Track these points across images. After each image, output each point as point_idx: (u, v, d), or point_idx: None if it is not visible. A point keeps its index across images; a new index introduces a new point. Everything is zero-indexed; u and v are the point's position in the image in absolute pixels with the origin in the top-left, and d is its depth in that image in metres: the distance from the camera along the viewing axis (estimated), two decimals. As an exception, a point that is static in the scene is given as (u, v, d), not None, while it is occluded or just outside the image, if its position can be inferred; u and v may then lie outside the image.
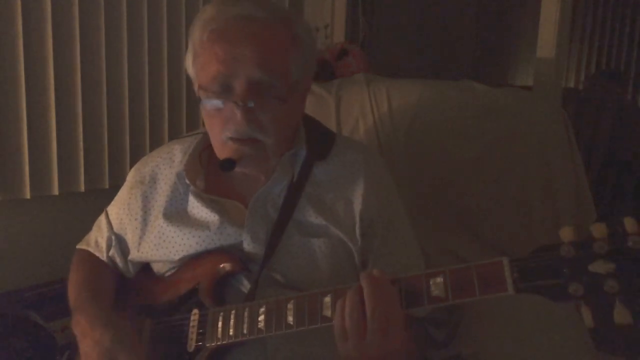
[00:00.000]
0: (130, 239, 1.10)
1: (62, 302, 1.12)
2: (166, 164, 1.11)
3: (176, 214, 1.05)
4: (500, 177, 1.39)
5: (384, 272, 0.81)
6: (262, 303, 0.89)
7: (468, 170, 1.40)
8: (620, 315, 0.66)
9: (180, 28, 1.78)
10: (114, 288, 1.11)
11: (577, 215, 1.36)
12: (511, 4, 4.34)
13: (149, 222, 1.08)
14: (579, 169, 1.40)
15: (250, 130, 0.95)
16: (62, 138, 1.56)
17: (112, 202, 1.17)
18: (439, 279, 0.77)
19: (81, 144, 1.60)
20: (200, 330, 0.94)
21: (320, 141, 1.08)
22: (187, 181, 1.05)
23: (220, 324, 0.92)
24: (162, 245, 1.04)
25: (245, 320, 0.90)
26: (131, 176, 1.15)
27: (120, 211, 1.13)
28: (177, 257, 1.02)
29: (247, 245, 0.99)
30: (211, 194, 1.05)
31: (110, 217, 1.15)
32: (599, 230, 0.68)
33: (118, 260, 1.12)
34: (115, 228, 1.13)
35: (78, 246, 1.18)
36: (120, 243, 1.12)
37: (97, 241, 1.15)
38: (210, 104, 0.96)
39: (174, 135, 1.62)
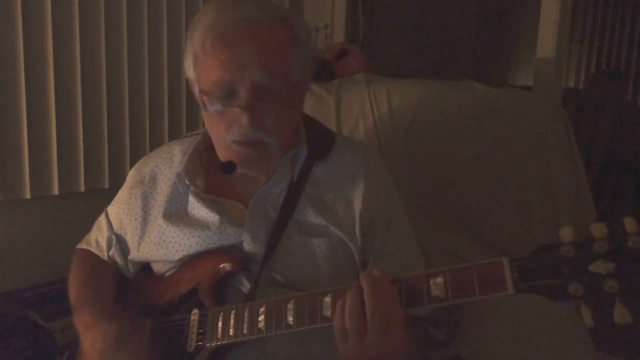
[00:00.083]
0: (130, 238, 1.10)
1: (62, 302, 1.12)
2: (166, 164, 1.11)
3: (176, 214, 1.05)
4: (500, 177, 1.39)
5: (384, 272, 0.81)
6: (262, 303, 0.89)
7: (468, 170, 1.40)
8: (620, 315, 0.66)
9: (180, 28, 1.78)
10: (114, 286, 1.11)
11: (577, 215, 1.36)
12: (511, 4, 4.34)
13: (149, 222, 1.08)
14: (579, 169, 1.40)
15: (256, 133, 0.95)
16: (62, 138, 1.56)
17: (112, 202, 1.18)
18: (439, 279, 0.77)
19: (81, 144, 1.60)
20: (200, 330, 0.94)
21: (320, 141, 1.08)
22: (187, 181, 1.05)
23: (220, 324, 0.92)
24: (162, 245, 1.04)
25: (245, 320, 0.90)
26: (131, 176, 1.15)
27: (120, 211, 1.13)
28: (177, 257, 1.02)
29: (247, 245, 0.99)
30: (211, 194, 1.05)
31: (110, 217, 1.15)
32: (599, 230, 0.68)
33: (118, 260, 1.12)
34: (115, 228, 1.13)
35: (78, 246, 1.18)
36: (121, 243, 1.12)
37: (97, 241, 1.15)
38: (213, 109, 0.96)
39: (174, 135, 1.62)
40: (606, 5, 5.18)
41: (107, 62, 1.62)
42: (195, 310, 0.97)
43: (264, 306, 0.89)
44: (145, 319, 1.00)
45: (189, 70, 1.00)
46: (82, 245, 1.18)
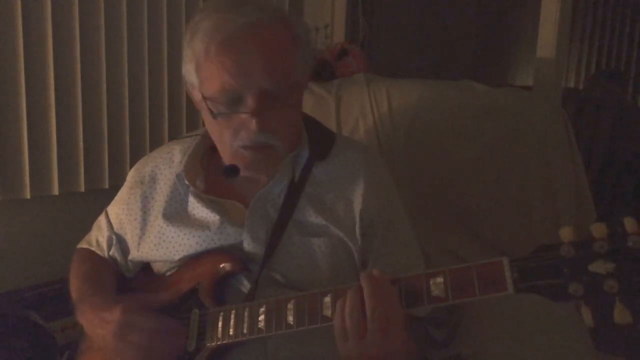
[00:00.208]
0: (130, 238, 1.10)
1: (62, 302, 1.13)
2: (166, 164, 1.11)
3: (176, 214, 1.05)
4: (500, 177, 1.39)
5: (384, 272, 0.81)
6: (262, 303, 0.89)
7: (468, 170, 1.40)
8: (620, 315, 0.66)
9: (180, 28, 1.78)
10: (115, 284, 1.11)
11: (577, 215, 1.36)
12: (511, 4, 4.34)
13: (149, 222, 1.08)
14: (579, 169, 1.40)
15: (264, 137, 0.95)
16: (62, 138, 1.56)
17: (112, 202, 1.18)
18: (439, 279, 0.77)
19: (81, 144, 1.60)
20: (200, 330, 0.94)
21: (320, 141, 1.08)
22: (187, 182, 1.05)
23: (220, 323, 0.92)
24: (162, 245, 1.04)
25: (246, 320, 0.90)
26: (131, 176, 1.15)
27: (119, 211, 1.13)
28: (177, 257, 1.02)
29: (247, 245, 0.99)
30: (211, 195, 1.05)
31: (110, 217, 1.15)
32: (599, 230, 0.68)
33: (119, 259, 1.12)
34: (115, 228, 1.13)
35: (79, 246, 1.18)
36: (121, 243, 1.12)
37: (97, 240, 1.15)
38: (222, 117, 0.95)
39: (174, 135, 1.62)
40: (606, 5, 5.18)
41: (107, 62, 1.62)
42: (196, 310, 0.97)
43: (264, 306, 0.89)
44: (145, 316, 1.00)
45: (191, 76, 0.98)
46: (82, 245, 1.18)
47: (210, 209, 1.02)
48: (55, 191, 1.56)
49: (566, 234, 0.70)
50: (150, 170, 1.12)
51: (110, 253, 1.13)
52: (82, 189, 1.61)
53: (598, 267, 0.67)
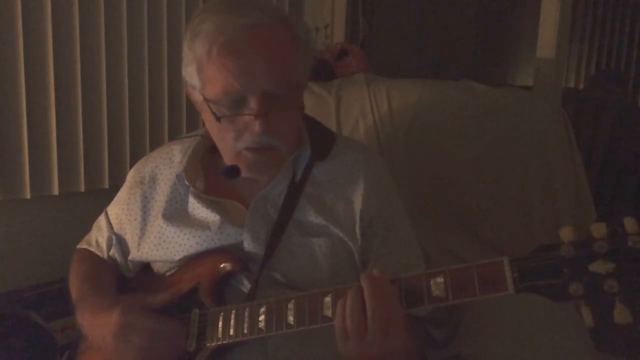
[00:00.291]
0: (130, 239, 1.10)
1: (62, 302, 1.13)
2: (166, 164, 1.11)
3: (176, 214, 1.05)
4: (500, 177, 1.39)
5: (384, 272, 0.81)
6: (262, 303, 0.89)
7: (468, 170, 1.40)
8: (621, 315, 0.66)
9: (180, 28, 1.78)
10: (114, 284, 1.11)
11: (577, 215, 1.36)
12: (511, 4, 4.34)
13: (149, 223, 1.08)
14: (579, 169, 1.40)
15: (268, 139, 0.95)
16: (62, 138, 1.56)
17: (112, 202, 1.18)
18: (440, 279, 0.77)
19: (81, 144, 1.60)
20: (201, 330, 0.94)
21: (320, 141, 1.08)
22: (187, 182, 1.05)
23: (220, 323, 0.92)
24: (162, 245, 1.04)
25: (246, 320, 0.90)
26: (131, 176, 1.15)
27: (119, 211, 1.13)
28: (177, 257, 1.02)
29: (248, 245, 0.99)
30: (211, 195, 1.05)
31: (110, 217, 1.15)
32: (599, 230, 0.68)
33: (119, 259, 1.12)
34: (115, 228, 1.13)
35: (78, 246, 1.18)
36: (121, 243, 1.12)
37: (97, 241, 1.15)
38: (226, 119, 0.94)
39: (174, 135, 1.61)
40: (606, 5, 5.18)
41: (107, 62, 1.62)
42: (196, 310, 0.97)
43: (265, 306, 0.89)
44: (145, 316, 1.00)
45: (192, 78, 0.98)
46: (82, 245, 1.18)
47: (210, 209, 1.02)
48: (55, 191, 1.56)
49: (566, 234, 0.70)
50: (150, 170, 1.12)
51: (110, 253, 1.13)
52: (82, 189, 1.61)
53: (598, 267, 0.67)
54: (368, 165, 1.06)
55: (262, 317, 0.88)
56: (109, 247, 1.13)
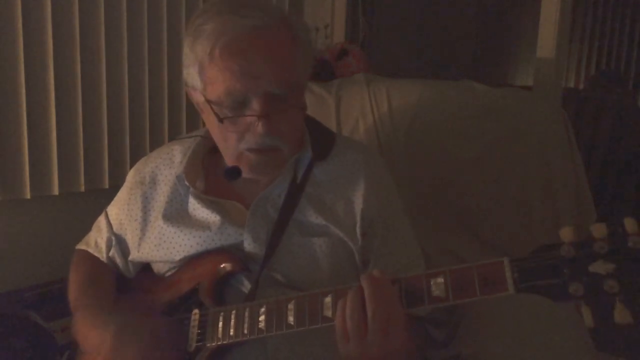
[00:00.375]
0: (130, 239, 1.10)
1: (62, 302, 1.12)
2: (166, 164, 1.11)
3: (176, 215, 1.05)
4: (500, 177, 1.39)
5: (384, 272, 0.81)
6: (262, 303, 0.89)
7: (468, 170, 1.40)
8: (621, 315, 0.66)
9: (180, 28, 1.78)
10: (114, 287, 1.11)
11: (577, 215, 1.36)
12: (511, 4, 4.35)
13: (149, 223, 1.08)
14: (579, 169, 1.40)
15: (270, 140, 0.95)
16: (62, 138, 1.56)
17: (112, 203, 1.17)
18: (440, 279, 0.77)
19: (81, 144, 1.60)
20: (201, 330, 0.94)
21: (320, 141, 1.08)
22: (187, 183, 1.05)
23: (220, 324, 0.93)
24: (163, 245, 1.04)
25: (246, 320, 0.90)
26: (131, 176, 1.15)
27: (119, 212, 1.13)
28: (177, 258, 1.02)
29: (248, 245, 0.99)
30: (211, 195, 1.05)
31: (110, 218, 1.15)
32: (599, 230, 0.68)
33: (118, 260, 1.12)
34: (115, 228, 1.13)
35: (77, 247, 1.18)
36: (120, 243, 1.12)
37: (96, 242, 1.15)
38: (228, 121, 0.94)
39: (174, 135, 1.61)
40: (606, 5, 5.18)
41: (107, 62, 1.62)
42: (196, 310, 0.97)
43: (265, 306, 0.89)
44: (145, 317, 1.00)
45: (193, 79, 0.97)
46: (81, 246, 1.17)
47: (210, 209, 1.02)
48: (55, 191, 1.56)
49: (566, 234, 0.70)
50: (150, 170, 1.12)
51: (110, 254, 1.13)
52: (82, 189, 1.61)
53: (598, 267, 0.67)
54: (368, 165, 1.06)
55: (262, 317, 0.88)
56: (109, 248, 1.13)
